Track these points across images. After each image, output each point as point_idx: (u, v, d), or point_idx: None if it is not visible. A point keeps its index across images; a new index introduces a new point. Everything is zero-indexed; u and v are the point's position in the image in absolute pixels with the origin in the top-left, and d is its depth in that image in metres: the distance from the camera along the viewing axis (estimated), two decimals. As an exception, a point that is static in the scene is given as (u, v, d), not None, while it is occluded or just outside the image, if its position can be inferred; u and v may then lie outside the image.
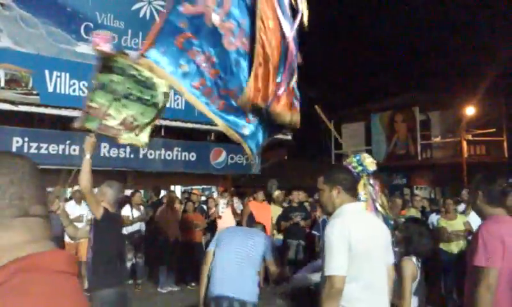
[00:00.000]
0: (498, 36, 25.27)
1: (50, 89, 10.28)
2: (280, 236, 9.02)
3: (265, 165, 14.41)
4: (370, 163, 4.09)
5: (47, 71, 10.25)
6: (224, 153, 12.36)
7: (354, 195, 2.95)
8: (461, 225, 7.39)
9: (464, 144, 19.89)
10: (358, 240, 2.65)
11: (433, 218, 8.24)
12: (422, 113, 22.21)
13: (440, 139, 21.69)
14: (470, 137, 20.40)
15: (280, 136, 13.67)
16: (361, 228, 2.73)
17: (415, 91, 23.62)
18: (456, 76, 23.96)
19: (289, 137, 13.73)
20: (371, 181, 4.12)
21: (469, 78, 20.85)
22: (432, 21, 30.51)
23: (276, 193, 9.70)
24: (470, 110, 19.53)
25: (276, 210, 9.19)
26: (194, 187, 12.54)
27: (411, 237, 3.51)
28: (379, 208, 4.04)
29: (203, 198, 11.74)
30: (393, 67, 29.09)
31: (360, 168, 4.08)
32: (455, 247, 7.31)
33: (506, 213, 2.97)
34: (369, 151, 24.25)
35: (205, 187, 13.81)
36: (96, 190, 4.37)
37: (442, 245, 7.41)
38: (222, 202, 8.99)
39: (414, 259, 3.41)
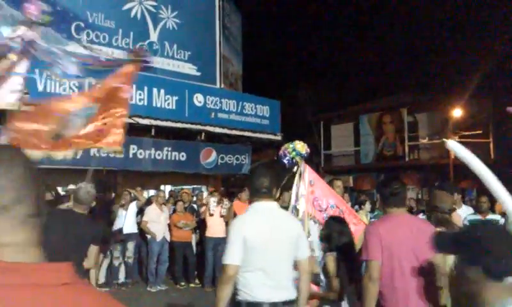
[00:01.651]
0: (485, 38, 25.62)
1: (40, 89, 10.24)
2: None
3: (255, 166, 14.48)
4: (301, 147, 4.55)
5: (37, 70, 10.20)
6: (214, 153, 12.40)
7: (264, 196, 3.17)
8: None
9: (451, 145, 20.12)
10: (253, 234, 2.98)
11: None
12: (410, 115, 22.47)
13: (427, 140, 21.95)
14: (457, 138, 20.62)
15: (270, 136, 13.76)
16: (259, 224, 3.04)
17: (403, 92, 23.89)
18: (444, 78, 24.24)
19: (279, 138, 13.81)
20: (302, 167, 4.41)
21: (456, 81, 21.14)
22: (425, 23, 30.86)
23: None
24: (457, 112, 19.80)
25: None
26: (184, 187, 12.56)
27: (331, 235, 3.73)
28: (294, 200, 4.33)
29: (194, 198, 11.77)
30: (381, 69, 29.35)
31: (293, 153, 4.58)
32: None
33: (403, 212, 3.32)
34: (358, 152, 24.52)
35: (195, 186, 13.82)
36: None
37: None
38: (212, 200, 9.02)
39: (335, 254, 3.61)
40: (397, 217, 3.27)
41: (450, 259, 3.49)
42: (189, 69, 13.05)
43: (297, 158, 4.56)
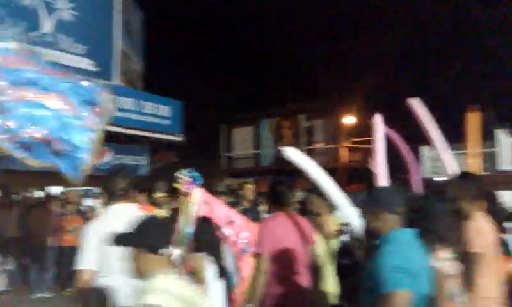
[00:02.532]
0: (374, 50, 27.62)
1: None
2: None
3: (155, 167, 14.14)
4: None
5: None
6: (110, 153, 11.88)
7: (121, 198, 3.24)
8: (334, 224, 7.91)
9: (344, 150, 21.41)
10: (106, 236, 3.00)
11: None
12: (307, 121, 23.50)
13: (322, 145, 23.09)
14: (349, 144, 21.99)
15: (170, 137, 13.51)
16: (114, 226, 2.96)
17: (301, 99, 24.90)
18: (338, 87, 25.70)
19: (180, 138, 13.62)
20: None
21: (350, 90, 22.50)
22: (321, 33, 32.41)
23: (159, 196, 9.26)
24: (349, 120, 21.08)
25: (160, 213, 8.96)
26: (74, 189, 11.85)
27: (198, 235, 3.78)
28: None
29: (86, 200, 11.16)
30: (280, 76, 30.33)
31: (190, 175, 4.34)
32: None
33: (288, 211, 3.68)
34: (258, 155, 25.06)
35: (88, 188, 13.13)
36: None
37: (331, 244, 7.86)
38: (97, 202, 8.61)
39: (203, 255, 3.68)
40: (282, 216, 3.62)
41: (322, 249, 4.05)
42: (86, 64, 12.37)
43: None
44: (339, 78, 27.11)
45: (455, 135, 10.84)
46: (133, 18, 15.00)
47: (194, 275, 3.64)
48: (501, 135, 9.82)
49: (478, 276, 3.03)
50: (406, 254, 2.28)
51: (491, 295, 3.16)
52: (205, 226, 3.91)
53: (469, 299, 2.81)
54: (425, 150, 11.37)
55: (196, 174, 4.28)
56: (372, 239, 2.55)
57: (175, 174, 4.26)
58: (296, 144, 23.41)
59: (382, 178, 3.49)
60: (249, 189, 5.98)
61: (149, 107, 12.86)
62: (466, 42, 27.14)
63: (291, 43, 32.59)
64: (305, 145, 23.24)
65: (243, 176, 21.42)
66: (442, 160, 4.02)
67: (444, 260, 2.69)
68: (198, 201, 4.25)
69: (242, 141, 25.71)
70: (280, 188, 3.75)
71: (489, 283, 3.11)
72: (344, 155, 21.49)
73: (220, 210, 4.51)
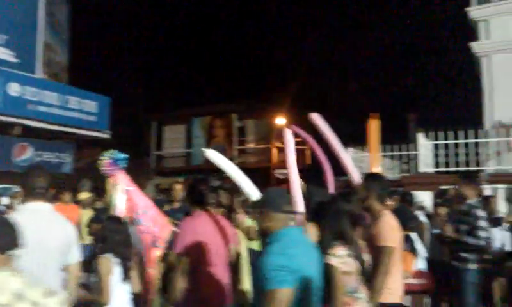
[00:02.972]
0: (304, 52, 28.32)
1: None
2: (89, 241, 8.48)
3: (80, 165, 13.56)
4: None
5: None
6: (30, 149, 11.21)
7: (38, 197, 3.05)
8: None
9: (274, 151, 21.78)
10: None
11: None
12: (239, 121, 23.62)
13: (253, 145, 23.32)
14: (279, 144, 22.35)
15: (96, 134, 13.01)
16: (27, 225, 2.82)
17: (234, 99, 24.97)
18: (270, 88, 26.06)
19: (106, 136, 13.14)
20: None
21: (281, 91, 22.91)
22: (249, 35, 32.68)
23: (83, 195, 8.79)
24: (280, 121, 21.45)
25: (85, 214, 8.57)
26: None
27: (106, 235, 3.71)
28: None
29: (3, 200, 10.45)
30: (214, 75, 30.24)
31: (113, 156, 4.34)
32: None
33: (210, 210, 3.67)
34: (189, 154, 24.78)
35: (6, 186, 12.31)
36: None
37: (250, 244, 7.92)
38: (15, 201, 8.07)
39: (110, 256, 3.59)
40: (203, 215, 3.60)
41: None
42: (6, 55, 11.58)
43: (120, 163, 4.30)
44: (272, 78, 27.51)
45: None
46: (59, 10, 14.27)
47: (98, 278, 3.53)
48: (421, 138, 10.39)
49: (387, 269, 3.23)
50: (290, 253, 2.35)
51: (397, 288, 3.41)
52: (114, 225, 3.78)
53: (367, 295, 2.98)
54: (350, 151, 11.79)
55: (120, 155, 4.18)
56: (264, 239, 2.62)
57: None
58: (228, 143, 23.46)
59: (294, 183, 3.63)
60: (178, 189, 5.88)
61: (74, 102, 12.30)
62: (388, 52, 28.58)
63: (225, 41, 32.64)
64: (237, 145, 23.36)
65: (173, 175, 21.13)
66: (344, 164, 4.29)
67: (342, 257, 2.85)
68: (120, 183, 4.16)
69: (173, 140, 25.32)
70: (200, 188, 3.69)
71: (395, 276, 3.34)
72: (276, 155, 21.85)
73: (138, 198, 4.43)
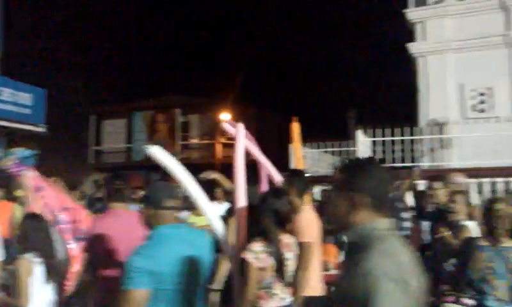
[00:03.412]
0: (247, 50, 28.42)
1: None
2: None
3: (12, 160, 12.83)
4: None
5: None
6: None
7: None
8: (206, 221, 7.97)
9: (219, 146, 21.68)
10: None
11: (184, 214, 8.64)
12: (183, 115, 23.29)
13: (197, 140, 23.10)
14: (224, 140, 22.30)
15: (31, 127, 12.38)
16: None
17: (177, 93, 24.60)
18: (214, 83, 25.93)
19: (42, 129, 12.54)
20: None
21: (225, 86, 22.86)
22: (192, 31, 32.30)
23: (19, 192, 8.45)
24: (224, 116, 21.37)
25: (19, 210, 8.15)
26: None
27: (26, 234, 3.51)
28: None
29: None
30: (157, 68, 29.64)
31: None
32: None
33: (123, 207, 3.58)
34: (130, 149, 24.17)
35: None
36: None
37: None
38: None
39: (30, 256, 3.39)
40: (117, 212, 3.51)
41: None
42: None
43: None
44: (216, 74, 27.36)
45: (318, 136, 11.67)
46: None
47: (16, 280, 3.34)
48: (360, 135, 10.69)
49: (306, 264, 3.32)
50: (148, 253, 2.34)
51: (315, 281, 3.53)
52: (34, 224, 3.57)
53: (288, 291, 3.06)
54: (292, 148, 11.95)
55: (27, 153, 3.97)
56: None
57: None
58: (171, 139, 23.09)
59: (239, 177, 3.59)
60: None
61: (7, 93, 11.61)
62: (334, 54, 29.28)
63: (170, 34, 32.08)
64: (181, 140, 23.05)
65: (113, 171, 20.53)
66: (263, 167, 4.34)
67: (257, 253, 2.90)
68: (29, 184, 3.97)
69: (113, 134, 24.60)
70: (114, 184, 3.61)
71: (313, 270, 3.45)
72: (220, 151, 21.76)
73: (54, 195, 4.28)
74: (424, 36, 12.46)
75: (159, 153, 3.06)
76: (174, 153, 23.64)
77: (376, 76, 26.56)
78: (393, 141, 10.67)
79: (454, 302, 3.26)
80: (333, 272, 4.42)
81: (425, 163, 11.12)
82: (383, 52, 23.80)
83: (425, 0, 12.48)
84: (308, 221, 3.54)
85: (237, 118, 20.70)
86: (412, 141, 10.78)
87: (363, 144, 10.75)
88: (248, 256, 2.89)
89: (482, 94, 11.71)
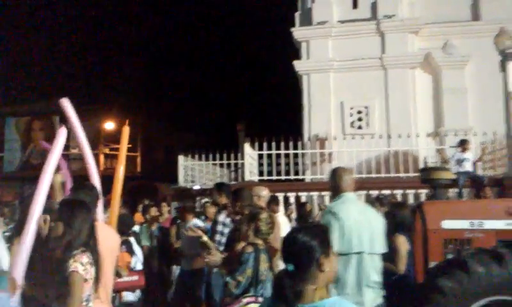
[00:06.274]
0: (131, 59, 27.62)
1: None
2: None
3: None
4: None
5: None
6: None
7: None
8: None
9: (102, 157, 20.61)
10: None
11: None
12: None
13: (78, 150, 21.70)
14: (107, 150, 21.25)
15: None
16: None
17: (56, 99, 22.94)
18: (99, 91, 24.67)
19: None
20: None
21: (110, 94, 21.84)
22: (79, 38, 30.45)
23: None
24: (108, 125, 20.42)
25: None
26: None
27: None
28: None
29: None
30: (37, 70, 27.34)
31: None
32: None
33: None
34: (1, 159, 21.94)
35: None
36: None
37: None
38: None
39: None
40: None
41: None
42: None
43: None
44: (100, 83, 26.06)
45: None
46: None
47: None
48: (247, 148, 10.80)
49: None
50: None
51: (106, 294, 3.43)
52: None
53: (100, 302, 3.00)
54: (181, 159, 11.71)
55: None
56: None
57: None
58: (48, 149, 21.43)
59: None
60: None
61: None
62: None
63: (49, 35, 29.80)
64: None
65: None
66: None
67: (84, 265, 2.78)
68: None
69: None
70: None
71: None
72: (101, 161, 20.67)
73: None
74: (308, 55, 13.06)
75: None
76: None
77: (265, 91, 27.31)
78: (278, 155, 10.91)
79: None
80: (125, 279, 4.56)
81: (307, 176, 11.56)
82: (273, 69, 24.53)
83: (311, 21, 13.10)
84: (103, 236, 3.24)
85: (121, 127, 19.86)
86: (296, 154, 11.12)
87: (250, 157, 10.86)
88: (78, 268, 2.73)
89: (359, 112, 12.57)
